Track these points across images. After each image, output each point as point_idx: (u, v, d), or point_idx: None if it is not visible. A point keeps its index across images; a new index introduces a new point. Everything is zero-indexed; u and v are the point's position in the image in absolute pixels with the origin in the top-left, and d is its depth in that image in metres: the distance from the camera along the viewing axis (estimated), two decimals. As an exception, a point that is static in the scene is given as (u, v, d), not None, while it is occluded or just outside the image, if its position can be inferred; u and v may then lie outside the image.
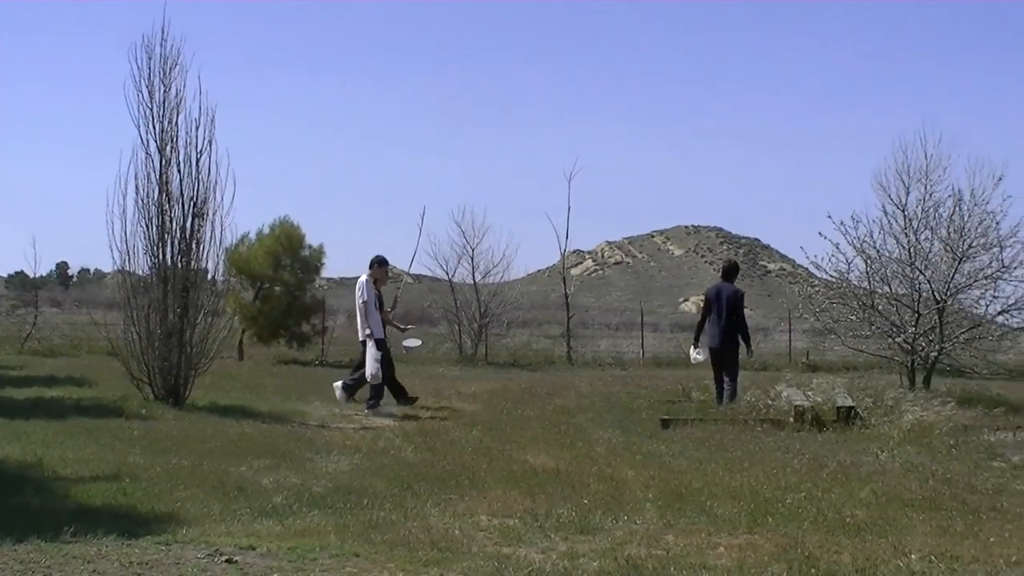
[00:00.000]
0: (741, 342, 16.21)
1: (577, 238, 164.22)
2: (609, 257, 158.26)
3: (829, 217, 18.73)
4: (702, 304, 16.76)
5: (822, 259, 18.89)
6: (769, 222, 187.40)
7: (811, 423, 13.84)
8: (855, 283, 19.05)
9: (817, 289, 20.87)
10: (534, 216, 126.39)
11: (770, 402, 15.37)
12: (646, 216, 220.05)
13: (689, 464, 10.78)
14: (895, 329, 18.60)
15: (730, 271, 16.75)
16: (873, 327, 18.96)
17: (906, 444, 12.30)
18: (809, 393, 15.81)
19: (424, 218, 35.14)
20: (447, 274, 33.03)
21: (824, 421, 14.04)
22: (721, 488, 9.27)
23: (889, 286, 18.93)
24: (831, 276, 19.44)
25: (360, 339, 16.33)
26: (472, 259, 31.99)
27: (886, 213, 19.04)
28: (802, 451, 11.62)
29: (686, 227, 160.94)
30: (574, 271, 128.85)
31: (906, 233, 18.71)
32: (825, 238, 18.64)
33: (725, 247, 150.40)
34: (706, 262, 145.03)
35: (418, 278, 48.78)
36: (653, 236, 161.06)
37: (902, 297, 18.84)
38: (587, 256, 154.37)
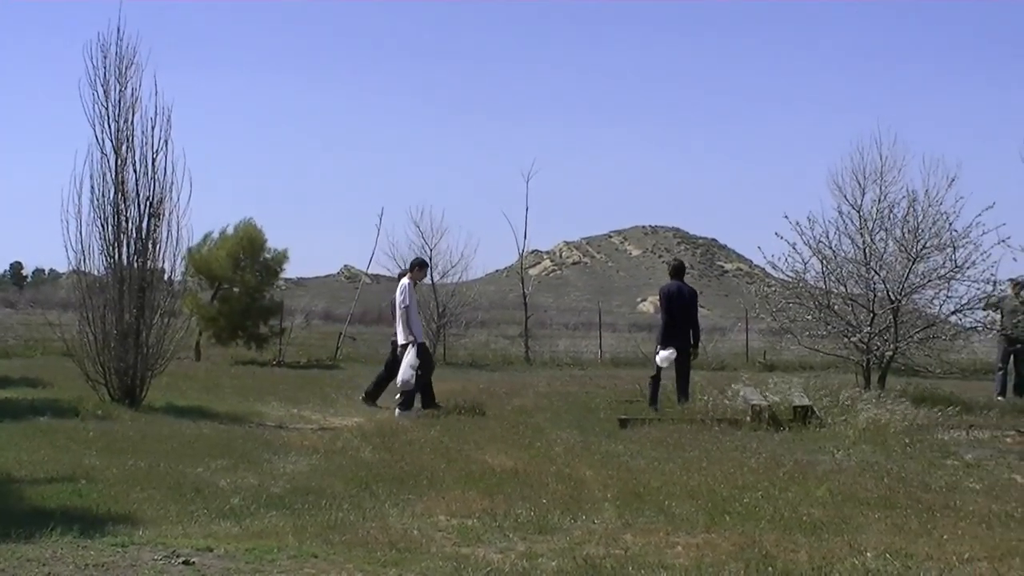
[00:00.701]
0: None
1: (535, 238, 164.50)
2: (567, 257, 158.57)
3: (786, 217, 18.76)
4: (661, 304, 16.68)
5: (779, 259, 18.92)
6: (726, 222, 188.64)
7: (768, 422, 13.88)
8: (811, 283, 19.10)
9: (774, 289, 20.90)
10: (492, 216, 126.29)
11: (727, 402, 15.43)
12: (604, 216, 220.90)
13: (647, 464, 10.79)
14: (851, 329, 18.69)
15: (680, 269, 16.85)
16: (829, 327, 19.03)
17: (862, 443, 12.37)
18: (766, 392, 15.88)
19: (382, 219, 35.13)
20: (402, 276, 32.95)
21: (781, 420, 14.08)
22: (679, 487, 9.29)
23: (845, 286, 19.01)
24: (787, 276, 19.48)
25: (400, 342, 16.13)
26: (430, 259, 31.86)
27: (842, 213, 19.12)
28: (759, 450, 11.67)
29: (644, 227, 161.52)
30: (532, 271, 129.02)
31: (861, 233, 18.80)
32: (782, 238, 18.65)
33: (682, 247, 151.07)
34: (663, 262, 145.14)
35: (376, 278, 48.67)
36: (611, 236, 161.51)
37: (858, 297, 18.92)
38: (545, 256, 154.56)
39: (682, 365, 16.11)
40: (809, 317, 19.28)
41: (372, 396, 16.69)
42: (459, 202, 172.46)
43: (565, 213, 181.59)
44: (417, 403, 15.97)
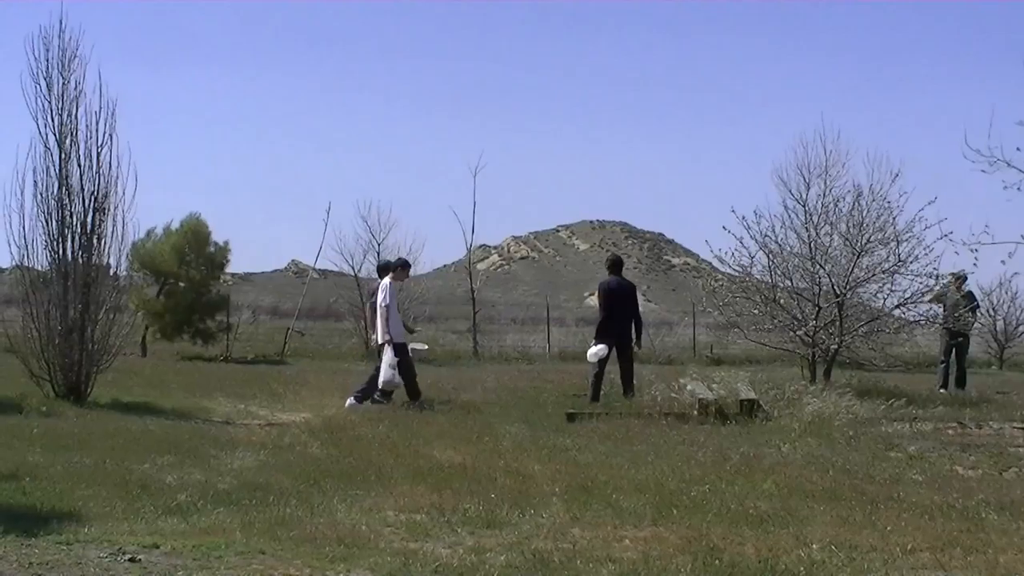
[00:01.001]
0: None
1: (483, 233, 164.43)
2: (515, 252, 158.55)
3: (732, 211, 18.89)
4: (600, 299, 16.73)
5: (726, 253, 19.03)
6: (674, 217, 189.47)
7: (715, 416, 13.94)
8: (758, 277, 19.24)
9: (721, 283, 21.12)
10: (440, 211, 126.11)
11: (675, 396, 15.46)
12: (551, 211, 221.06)
13: (595, 457, 10.83)
14: (796, 322, 18.85)
15: (618, 264, 16.97)
16: (775, 320, 19.19)
17: (807, 436, 12.46)
18: (713, 386, 15.94)
19: (330, 213, 34.96)
20: (353, 269, 32.83)
21: (728, 414, 14.13)
22: (627, 481, 9.33)
23: (791, 280, 19.16)
24: (734, 270, 19.63)
25: (379, 342, 15.99)
26: (378, 254, 31.76)
27: (787, 208, 19.27)
28: (706, 444, 11.73)
29: (591, 222, 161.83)
30: (480, 266, 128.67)
31: (807, 228, 18.95)
32: (729, 232, 18.79)
33: (630, 242, 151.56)
34: (606, 259, 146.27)
35: (324, 273, 48.43)
36: (558, 231, 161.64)
37: (803, 291, 19.07)
38: (493, 251, 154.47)
39: (625, 359, 16.21)
40: (756, 311, 19.45)
41: (361, 400, 16.45)
42: (407, 196, 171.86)
43: (513, 208, 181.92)
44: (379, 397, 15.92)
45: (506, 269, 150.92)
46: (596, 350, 16.11)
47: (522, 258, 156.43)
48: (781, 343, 20.21)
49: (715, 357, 29.60)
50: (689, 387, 15.90)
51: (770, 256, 19.01)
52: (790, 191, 19.37)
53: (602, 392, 16.14)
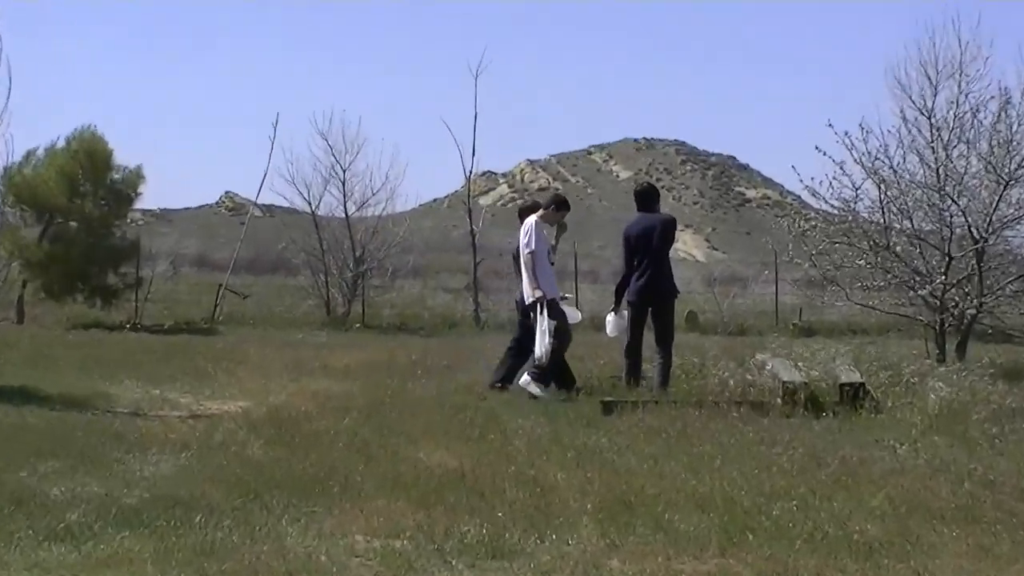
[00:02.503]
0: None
1: (488, 156, 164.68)
2: (531, 181, 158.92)
3: (830, 126, 18.77)
4: (623, 247, 16.65)
5: (820, 183, 18.94)
6: (748, 135, 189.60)
7: (805, 406, 14.00)
8: (865, 216, 19.16)
9: (814, 224, 20.91)
10: (429, 127, 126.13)
11: (749, 378, 15.44)
12: (582, 128, 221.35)
13: (640, 463, 10.82)
14: (918, 278, 18.79)
15: (648, 196, 16.76)
16: (889, 276, 19.13)
17: (933, 434, 12.45)
18: (802, 365, 15.92)
19: (277, 129, 34.94)
20: (309, 204, 32.90)
21: (823, 403, 14.19)
22: (683, 495, 9.31)
23: (911, 220, 19.07)
24: (832, 207, 19.54)
25: (527, 302, 16.20)
26: (343, 184, 31.96)
27: (906, 120, 19.16)
28: (793, 444, 11.71)
29: (636, 141, 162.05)
30: (483, 200, 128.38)
31: (933, 147, 18.84)
32: (824, 154, 18.68)
33: (689, 167, 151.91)
34: (664, 187, 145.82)
35: (269, 209, 48.52)
36: (591, 153, 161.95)
37: (928, 235, 18.99)
38: (502, 180, 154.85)
39: (659, 333, 16.17)
40: (862, 262, 19.37)
41: (508, 380, 16.51)
42: (382, 107, 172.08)
43: (528, 123, 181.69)
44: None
45: (519, 205, 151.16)
46: (614, 319, 16.34)
47: (540, 189, 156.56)
48: (896, 306, 20.18)
49: (805, 325, 29.63)
50: (770, 366, 15.88)
51: (882, 187, 18.92)
52: (910, 97, 19.29)
53: (643, 378, 16.16)
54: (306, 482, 9.85)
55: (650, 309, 16.15)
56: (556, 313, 15.97)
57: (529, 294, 16.07)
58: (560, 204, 16.99)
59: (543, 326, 15.72)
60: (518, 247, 16.53)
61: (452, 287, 38.39)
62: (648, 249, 16.10)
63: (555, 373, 16.05)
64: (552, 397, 15.49)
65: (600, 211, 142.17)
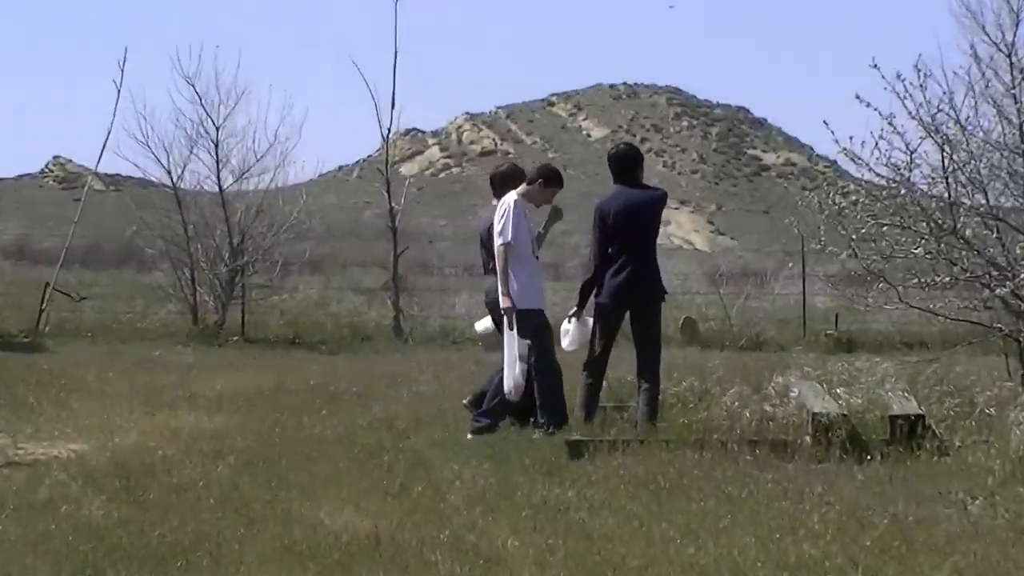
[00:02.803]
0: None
1: (414, 110, 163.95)
2: (472, 143, 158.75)
3: (875, 67, 18.80)
4: (594, 230, 16.58)
5: (863, 145, 18.95)
6: (764, 81, 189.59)
7: (844, 447, 14.07)
8: (923, 188, 19.21)
9: (854, 200, 20.94)
10: (333, 69, 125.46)
11: (768, 408, 15.46)
12: (540, 71, 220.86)
13: (620, 524, 10.92)
14: (995, 273, 18.84)
15: (628, 162, 16.66)
16: (956, 269, 19.18)
17: (1017, 484, 12.51)
18: (840, 391, 16.03)
19: (125, 72, 34.78)
20: (169, 175, 32.82)
21: (867, 443, 14.29)
22: (678, 568, 9.41)
23: (985, 193, 19.11)
24: (879, 176, 19.60)
25: (503, 306, 16.05)
26: (216, 147, 31.92)
27: (978, 60, 19.24)
28: (827, 498, 11.82)
29: (614, 88, 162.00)
30: (407, 169, 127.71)
31: (1015, 96, 18.93)
32: (868, 105, 18.66)
33: (685, 123, 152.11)
34: (651, 150, 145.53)
35: (114, 181, 48.49)
36: (553, 104, 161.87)
37: (1008, 214, 19.07)
38: (432, 141, 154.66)
39: (646, 345, 16.26)
40: (919, 251, 19.42)
41: (496, 412, 16.38)
42: (270, 43, 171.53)
43: (470, 66, 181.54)
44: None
45: (455, 174, 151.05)
46: (571, 332, 16.30)
47: (484, 153, 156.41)
48: (966, 311, 20.22)
49: (843, 336, 29.79)
50: (795, 392, 15.90)
51: (946, 149, 18.93)
52: (983, 29, 19.37)
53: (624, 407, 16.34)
54: (164, 553, 9.85)
55: (631, 314, 16.10)
56: (531, 332, 15.85)
57: (501, 297, 15.96)
58: (551, 178, 16.67)
59: (513, 350, 15.71)
60: (490, 231, 16.39)
61: (364, 287, 38.34)
62: (632, 234, 15.92)
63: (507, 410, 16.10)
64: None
65: (566, 183, 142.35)
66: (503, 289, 15.82)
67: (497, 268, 15.95)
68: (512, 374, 15.60)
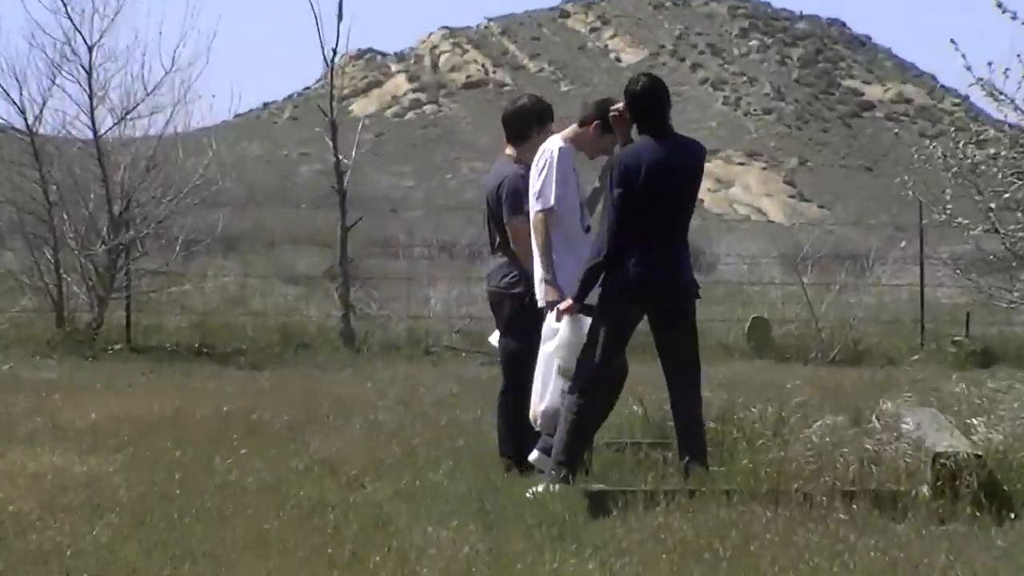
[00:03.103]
0: None
1: (370, 25, 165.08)
2: (451, 69, 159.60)
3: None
4: (615, 192, 16.28)
5: (1007, 74, 18.95)
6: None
7: (977, 499, 13.91)
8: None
9: (993, 154, 20.95)
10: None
11: (870, 447, 15.45)
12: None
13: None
14: None
15: (655, 101, 16.44)
16: None
17: None
18: (973, 422, 15.91)
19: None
20: (23, 115, 32.76)
21: (1010, 494, 14.19)
22: None
23: None
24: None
25: (541, 300, 16.12)
26: (90, 77, 31.83)
27: None
28: (955, 572, 11.69)
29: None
30: (360, 107, 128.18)
31: None
32: (1015, 17, 18.71)
33: (755, 43, 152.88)
34: (706, 82, 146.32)
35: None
36: (567, 15, 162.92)
37: None
38: (396, 67, 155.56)
39: (684, 355, 16.11)
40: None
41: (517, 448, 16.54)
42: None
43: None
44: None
45: (429, 114, 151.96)
46: (559, 329, 15.95)
47: (471, 84, 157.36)
48: None
49: (975, 344, 29.70)
50: (910, 423, 15.86)
51: None
52: None
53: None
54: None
55: (651, 318, 15.98)
56: (578, 320, 15.64)
57: (541, 293, 15.95)
58: (601, 113, 16.26)
59: (552, 362, 15.61)
60: (498, 193, 16.46)
61: (300, 274, 38.47)
62: (671, 204, 15.75)
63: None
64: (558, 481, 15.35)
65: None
66: (546, 275, 15.71)
67: (536, 245, 15.87)
68: (546, 395, 15.54)
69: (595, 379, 15.66)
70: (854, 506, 13.68)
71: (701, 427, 15.79)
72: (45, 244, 31.72)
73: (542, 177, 15.68)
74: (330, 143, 35.44)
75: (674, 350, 15.84)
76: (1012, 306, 26.28)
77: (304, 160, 60.12)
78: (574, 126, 16.31)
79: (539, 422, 15.53)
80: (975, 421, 15.91)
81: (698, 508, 13.63)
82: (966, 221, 21.19)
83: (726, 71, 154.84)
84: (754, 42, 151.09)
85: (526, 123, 16.65)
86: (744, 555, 12.21)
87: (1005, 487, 14.18)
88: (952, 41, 19.23)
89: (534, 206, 15.78)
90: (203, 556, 12.20)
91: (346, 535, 12.97)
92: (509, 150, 16.55)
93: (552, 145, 15.92)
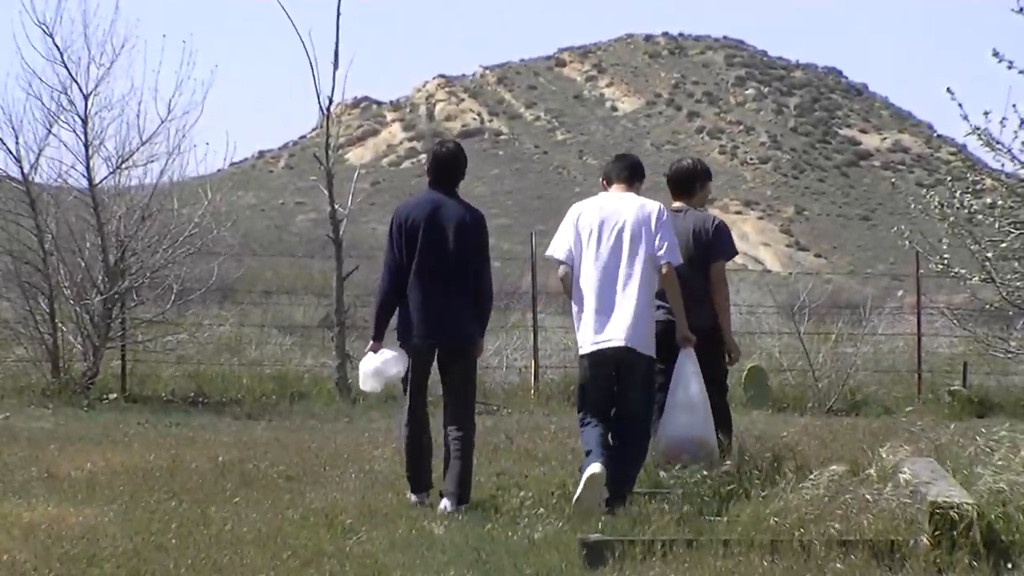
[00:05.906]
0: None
1: (366, 72, 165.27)
2: (448, 118, 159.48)
3: (1022, 11, 18.83)
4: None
5: (1003, 123, 18.95)
6: (862, 35, 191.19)
7: (975, 549, 13.89)
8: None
9: (990, 203, 20.97)
10: (251, 13, 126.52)
11: (868, 497, 15.41)
12: (543, 20, 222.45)
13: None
14: None
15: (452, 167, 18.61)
16: None
17: None
18: (973, 473, 15.90)
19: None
20: (18, 163, 32.72)
21: (1009, 545, 14.15)
22: None
23: None
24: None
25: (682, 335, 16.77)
26: (85, 125, 31.77)
27: None
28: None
29: (648, 41, 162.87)
30: (356, 156, 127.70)
31: None
32: (1011, 66, 18.73)
33: (752, 91, 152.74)
34: (702, 131, 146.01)
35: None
36: (563, 63, 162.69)
37: None
38: (392, 116, 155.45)
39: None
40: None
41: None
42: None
43: (443, 17, 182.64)
44: None
45: (426, 164, 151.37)
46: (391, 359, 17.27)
47: (467, 133, 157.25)
48: None
49: (975, 395, 29.69)
50: (907, 473, 15.86)
51: None
52: None
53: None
54: None
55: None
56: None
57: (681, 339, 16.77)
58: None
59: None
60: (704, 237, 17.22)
61: (296, 323, 38.35)
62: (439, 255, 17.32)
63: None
64: None
65: (580, 174, 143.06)
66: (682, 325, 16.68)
67: (676, 295, 16.59)
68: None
69: (403, 411, 17.96)
70: (852, 556, 13.68)
71: (462, 463, 17.20)
72: (40, 293, 31.60)
73: (657, 232, 16.35)
74: (326, 192, 35.35)
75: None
76: (1009, 356, 26.23)
77: (300, 209, 60.16)
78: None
79: (662, 460, 16.65)
80: (977, 471, 15.92)
81: (695, 559, 13.64)
82: (963, 271, 21.16)
83: (723, 120, 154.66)
84: (751, 90, 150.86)
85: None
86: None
87: (1003, 537, 14.15)
88: (948, 90, 19.24)
89: (679, 259, 16.44)
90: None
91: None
92: (677, 203, 17.56)
93: (654, 206, 16.57)
